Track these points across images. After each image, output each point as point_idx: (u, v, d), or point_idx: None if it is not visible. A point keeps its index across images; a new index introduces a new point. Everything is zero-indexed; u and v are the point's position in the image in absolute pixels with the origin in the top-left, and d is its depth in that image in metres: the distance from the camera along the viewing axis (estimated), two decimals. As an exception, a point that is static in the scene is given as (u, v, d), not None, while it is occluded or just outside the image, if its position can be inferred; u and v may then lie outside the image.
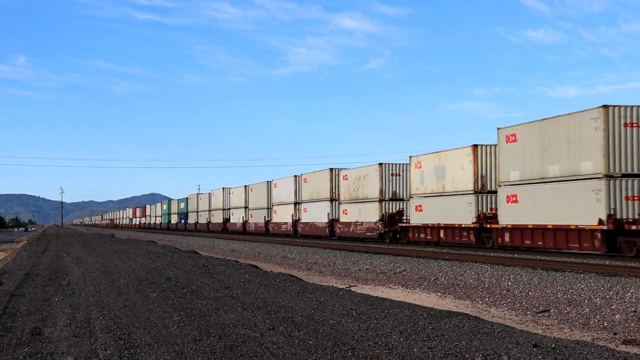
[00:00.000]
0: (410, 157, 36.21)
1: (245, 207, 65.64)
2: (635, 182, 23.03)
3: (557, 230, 24.87)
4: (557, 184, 25.14)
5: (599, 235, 23.00)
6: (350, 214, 43.21)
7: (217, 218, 75.56)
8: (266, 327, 9.85)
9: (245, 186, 65.97)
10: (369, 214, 40.50)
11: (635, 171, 23.11)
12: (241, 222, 66.40)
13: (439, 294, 16.00)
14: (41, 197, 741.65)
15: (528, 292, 14.80)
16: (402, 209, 38.61)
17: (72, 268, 22.22)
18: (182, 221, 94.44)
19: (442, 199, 33.08)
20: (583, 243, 23.80)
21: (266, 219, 58.92)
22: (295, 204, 52.32)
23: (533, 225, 26.06)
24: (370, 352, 8.18)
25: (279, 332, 9.51)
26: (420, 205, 34.94)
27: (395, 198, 39.73)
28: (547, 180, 25.68)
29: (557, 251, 26.70)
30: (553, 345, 8.32)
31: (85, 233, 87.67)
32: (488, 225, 29.37)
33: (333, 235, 45.72)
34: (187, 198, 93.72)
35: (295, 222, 51.89)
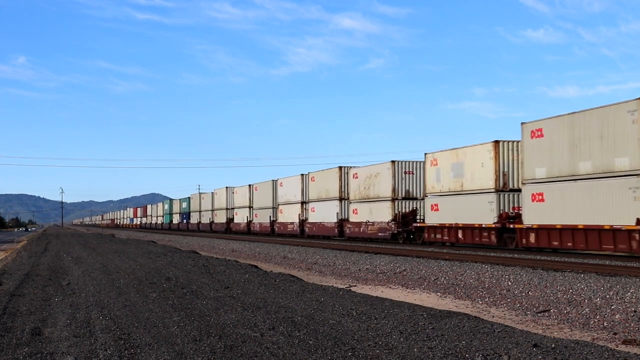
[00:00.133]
0: (425, 154, 34.79)
1: (250, 207, 64.53)
2: (677, 179, 21.38)
3: (588, 230, 23.46)
4: (589, 181, 23.67)
5: (637, 236, 21.64)
6: (361, 214, 42.02)
7: (221, 218, 74.50)
8: (266, 327, 9.85)
9: (250, 185, 64.73)
10: (381, 214, 39.33)
11: None
12: (245, 222, 65.42)
13: (439, 294, 15.99)
14: (41, 197, 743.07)
15: (528, 292, 14.79)
16: (416, 208, 37.39)
17: (72, 268, 22.22)
18: (184, 221, 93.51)
19: (460, 198, 31.77)
20: (618, 244, 22.38)
21: (271, 219, 57.85)
22: (302, 203, 51.21)
23: (562, 225, 24.69)
24: (370, 352, 8.18)
25: (279, 332, 9.51)
26: (436, 205, 33.61)
27: (408, 197, 38.49)
28: (577, 177, 24.21)
29: (589, 253, 25.45)
30: (553, 345, 8.31)
31: (85, 233, 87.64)
32: (511, 226, 28.00)
33: (342, 235, 44.57)
34: (189, 197, 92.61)
35: (303, 222, 50.81)
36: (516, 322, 11.73)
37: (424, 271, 19.75)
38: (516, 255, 24.83)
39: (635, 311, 11.66)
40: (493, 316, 12.37)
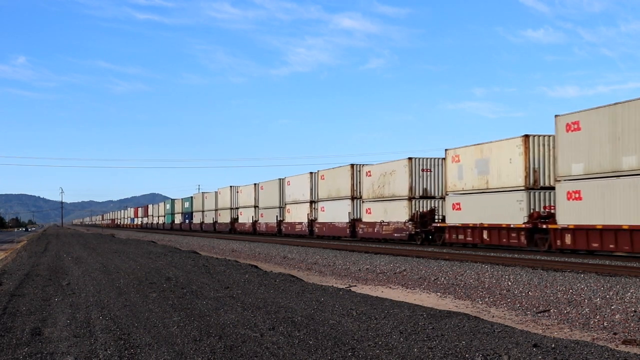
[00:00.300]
0: (446, 150, 32.92)
1: (255, 206, 62.76)
2: None
3: (634, 231, 21.62)
4: (635, 177, 21.90)
5: None
6: (375, 214, 40.12)
7: (225, 218, 72.63)
8: (266, 327, 9.85)
9: (255, 184, 62.89)
10: (397, 213, 37.46)
11: None
12: (251, 222, 63.34)
13: (439, 294, 15.99)
14: (41, 197, 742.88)
15: (528, 292, 14.79)
16: (435, 207, 35.54)
17: (72, 268, 22.22)
18: (187, 221, 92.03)
19: (485, 196, 29.90)
20: None
21: (278, 219, 56.03)
22: (311, 202, 49.52)
23: (602, 225, 22.90)
24: (370, 352, 8.18)
25: (279, 332, 9.51)
26: (458, 203, 31.71)
27: (426, 196, 36.70)
28: (620, 173, 22.41)
29: (634, 256, 23.71)
30: (553, 345, 8.32)
31: (85, 233, 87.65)
32: (544, 226, 26.10)
33: (354, 235, 42.65)
34: (192, 197, 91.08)
35: (312, 222, 49.05)
36: (516, 322, 11.73)
37: (424, 271, 19.75)
38: (518, 256, 24.84)
39: (635, 311, 11.66)
40: (493, 316, 12.37)
